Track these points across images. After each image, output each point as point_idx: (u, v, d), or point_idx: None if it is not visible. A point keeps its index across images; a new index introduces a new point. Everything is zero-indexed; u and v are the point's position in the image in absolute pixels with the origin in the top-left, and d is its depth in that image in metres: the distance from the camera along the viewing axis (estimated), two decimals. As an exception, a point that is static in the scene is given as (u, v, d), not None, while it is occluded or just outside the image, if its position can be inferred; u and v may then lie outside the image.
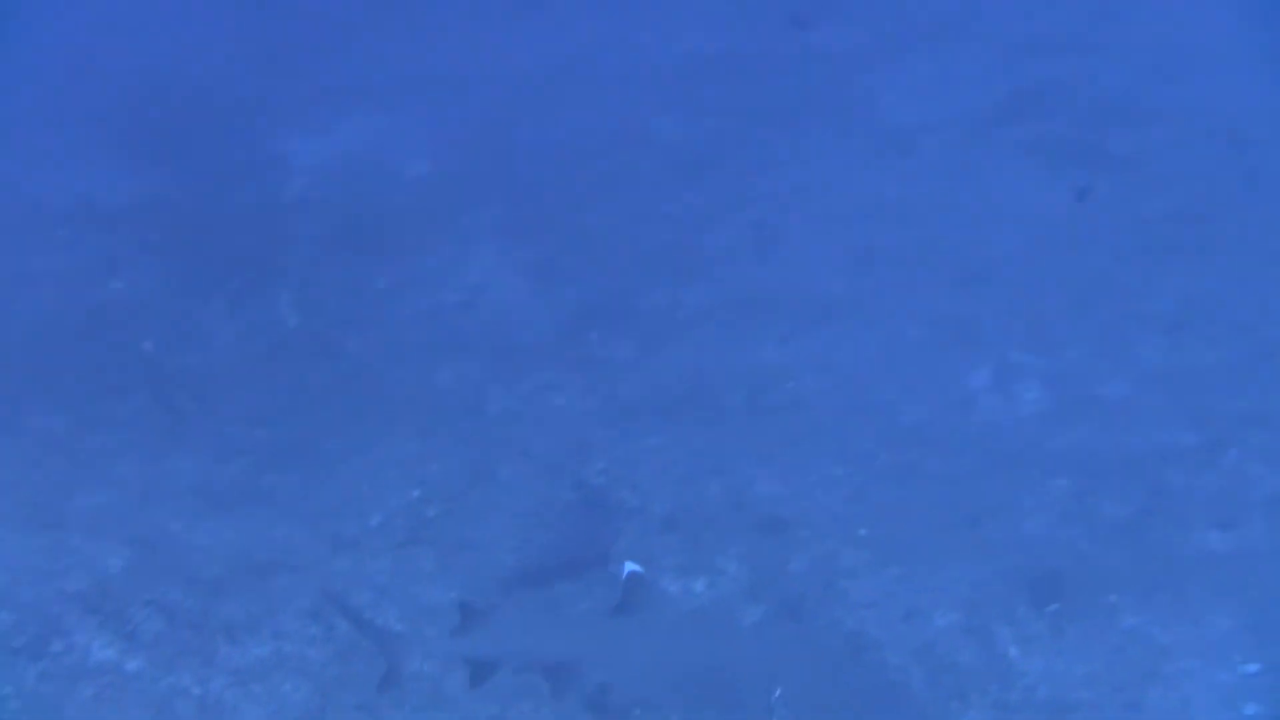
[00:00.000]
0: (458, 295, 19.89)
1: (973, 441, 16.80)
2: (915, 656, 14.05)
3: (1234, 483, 16.01)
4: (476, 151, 24.04)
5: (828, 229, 21.05)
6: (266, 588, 15.06)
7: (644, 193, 22.39)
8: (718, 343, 18.65)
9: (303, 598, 14.90)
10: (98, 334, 19.47)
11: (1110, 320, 18.51)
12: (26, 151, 24.50)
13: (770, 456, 16.69)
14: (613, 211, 21.82)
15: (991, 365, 17.87)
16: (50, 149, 24.65)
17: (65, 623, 14.46)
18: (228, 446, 17.23)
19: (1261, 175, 21.37)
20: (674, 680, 13.24)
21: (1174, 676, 13.73)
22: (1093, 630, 14.18)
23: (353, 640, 13.96)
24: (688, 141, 23.95)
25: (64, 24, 29.25)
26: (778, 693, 13.20)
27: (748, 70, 26.75)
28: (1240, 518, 15.42)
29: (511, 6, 30.20)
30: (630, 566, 13.37)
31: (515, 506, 16.09)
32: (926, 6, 29.01)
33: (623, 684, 13.44)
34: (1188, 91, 24.18)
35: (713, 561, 15.24)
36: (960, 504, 15.87)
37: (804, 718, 13.02)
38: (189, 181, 23.30)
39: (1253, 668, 13.99)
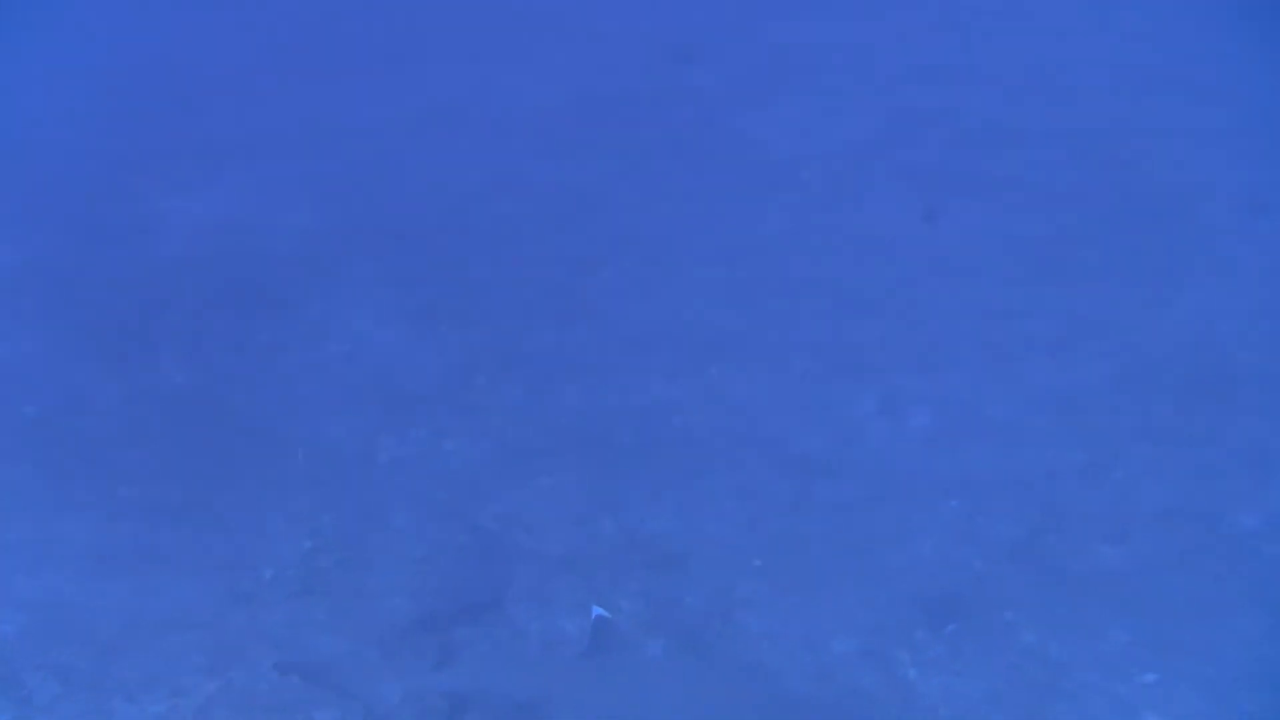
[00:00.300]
0: (343, 346, 19.78)
1: (863, 468, 16.87)
2: (816, 684, 14.07)
3: (1123, 498, 16.18)
4: (355, 202, 23.97)
5: (711, 264, 21.13)
6: (162, 646, 14.88)
7: (526, 236, 22.40)
8: (605, 381, 18.64)
9: (199, 654, 14.76)
10: (-22, 401, 19.18)
11: (995, 342, 18.68)
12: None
13: (662, 492, 16.69)
14: (495, 256, 21.80)
15: (879, 392, 17.98)
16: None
17: (-40, 690, 14.30)
18: (118, 507, 17.01)
19: (1139, 196, 21.66)
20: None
21: (1073, 691, 13.81)
22: (991, 649, 14.25)
23: (251, 693, 13.88)
24: (569, 183, 23.98)
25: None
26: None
27: (627, 110, 26.86)
28: (1130, 532, 15.59)
29: (385, 56, 30.22)
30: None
31: (409, 553, 15.98)
32: (805, 41, 29.31)
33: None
34: (1064, 114, 24.52)
35: (609, 599, 15.19)
36: (854, 530, 15.93)
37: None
38: (65, 244, 23.02)
39: (1150, 678, 14.11)
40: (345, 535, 16.39)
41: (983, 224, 21.24)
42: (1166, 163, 22.49)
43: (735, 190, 23.42)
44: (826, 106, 26.21)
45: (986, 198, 21.91)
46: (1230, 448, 16.75)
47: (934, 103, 25.48)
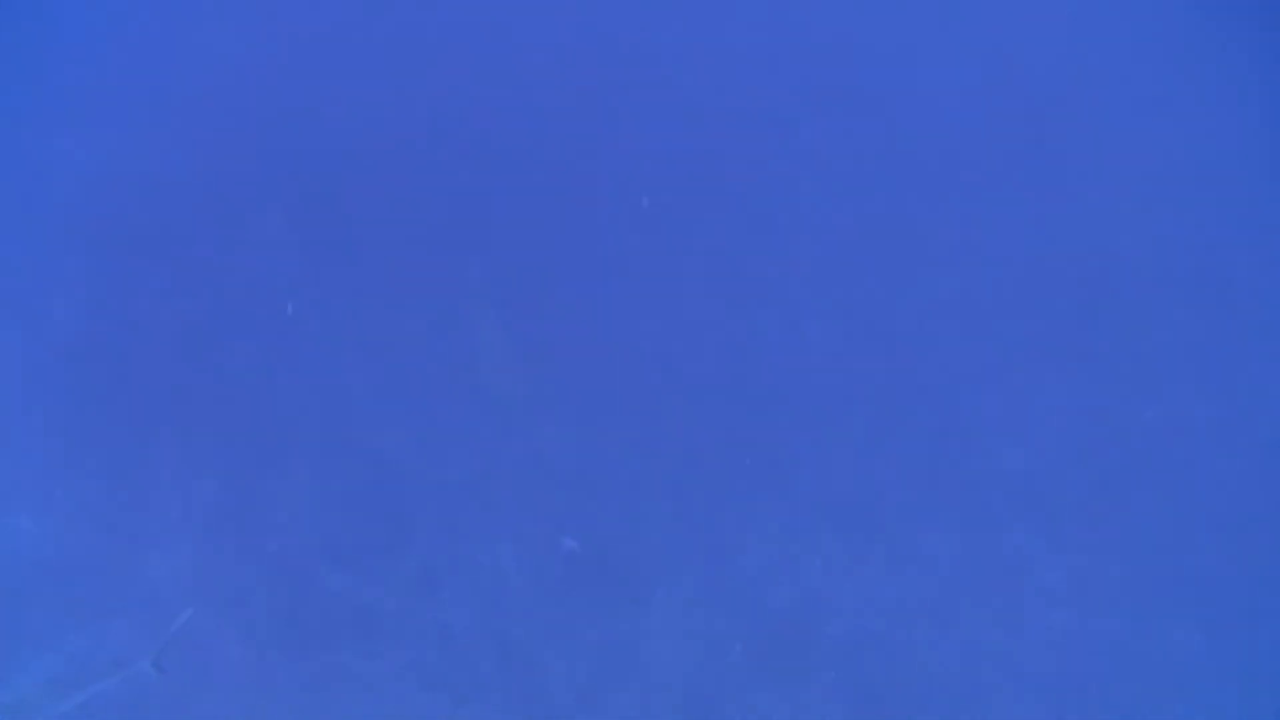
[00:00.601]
0: (239, 283, 19.58)
1: (769, 387, 17.03)
2: (729, 599, 14.32)
3: (1025, 402, 16.49)
4: (249, 144, 23.60)
5: (607, 192, 21.10)
6: (73, 591, 14.87)
7: (417, 171, 22.23)
8: (502, 310, 18.62)
9: (112, 597, 14.76)
10: None
11: (897, 255, 18.85)
12: None
13: (564, 419, 16.77)
14: (387, 191, 21.65)
15: (778, 310, 18.11)
16: None
17: None
18: (21, 457, 16.88)
19: (1024, 104, 21.86)
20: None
21: (980, 591, 14.13)
22: (898, 554, 14.53)
23: (166, 630, 13.88)
24: (460, 117, 23.77)
25: None
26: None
27: (548, 61, 26.50)
28: (1032, 436, 15.91)
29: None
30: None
31: (314, 488, 16.00)
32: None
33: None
34: (949, 30, 24.58)
35: (518, 525, 15.33)
36: (761, 445, 16.10)
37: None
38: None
39: (1055, 576, 14.46)
40: (248, 473, 16.37)
41: (876, 141, 21.36)
42: (1049, 71, 22.69)
43: (632, 117, 23.34)
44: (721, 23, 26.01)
45: (878, 117, 22.04)
46: (1126, 349, 17.07)
47: (826, 22, 25.40)
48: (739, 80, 24.19)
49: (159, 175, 22.14)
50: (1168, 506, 15.15)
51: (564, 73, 24.84)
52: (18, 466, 16.54)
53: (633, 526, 15.26)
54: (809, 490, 15.45)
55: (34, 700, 13.26)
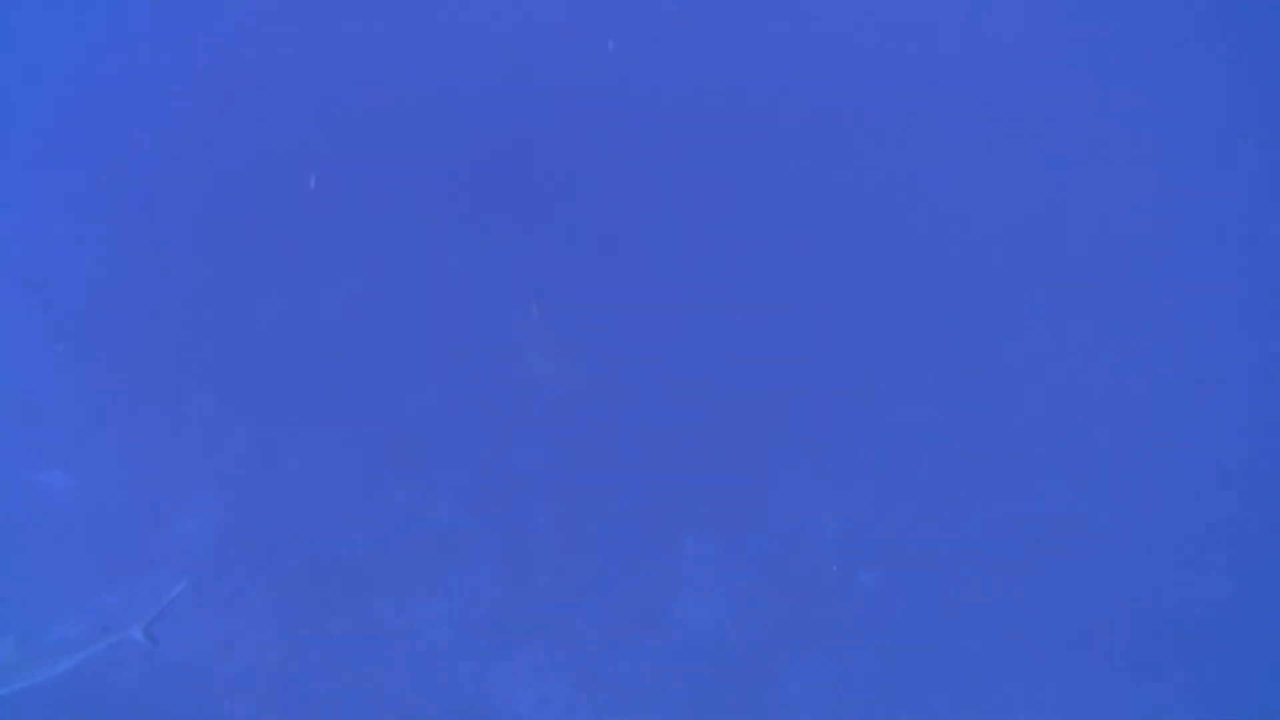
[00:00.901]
0: (267, 252, 19.37)
1: (795, 342, 17.47)
2: (758, 550, 14.49)
3: (1052, 357, 16.75)
4: (282, 126, 23.23)
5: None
6: (104, 546, 15.02)
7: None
8: (534, 284, 18.63)
9: (140, 553, 14.89)
10: None
11: (923, 214, 19.05)
12: None
13: (591, 373, 16.97)
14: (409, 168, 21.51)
15: (805, 270, 18.25)
16: None
17: None
18: (54, 414, 16.97)
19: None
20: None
21: (1010, 542, 14.56)
22: (928, 505, 14.93)
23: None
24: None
25: None
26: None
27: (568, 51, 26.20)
28: (1060, 388, 16.25)
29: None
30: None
31: (342, 447, 16.33)
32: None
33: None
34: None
35: (547, 480, 15.56)
36: (789, 400, 16.30)
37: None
38: None
39: (1084, 527, 14.65)
40: (276, 432, 16.41)
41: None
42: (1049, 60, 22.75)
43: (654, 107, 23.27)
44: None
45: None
46: (1153, 304, 17.40)
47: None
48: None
49: (189, 141, 22.14)
50: (1196, 457, 15.27)
51: (590, 61, 24.62)
52: (50, 423, 16.57)
53: (660, 479, 15.39)
54: (837, 442, 15.60)
55: (33, 662, 13.22)
